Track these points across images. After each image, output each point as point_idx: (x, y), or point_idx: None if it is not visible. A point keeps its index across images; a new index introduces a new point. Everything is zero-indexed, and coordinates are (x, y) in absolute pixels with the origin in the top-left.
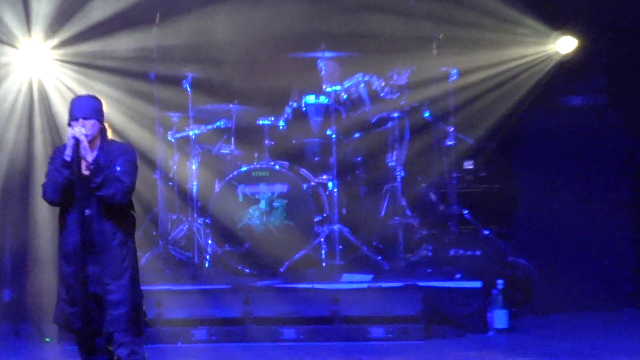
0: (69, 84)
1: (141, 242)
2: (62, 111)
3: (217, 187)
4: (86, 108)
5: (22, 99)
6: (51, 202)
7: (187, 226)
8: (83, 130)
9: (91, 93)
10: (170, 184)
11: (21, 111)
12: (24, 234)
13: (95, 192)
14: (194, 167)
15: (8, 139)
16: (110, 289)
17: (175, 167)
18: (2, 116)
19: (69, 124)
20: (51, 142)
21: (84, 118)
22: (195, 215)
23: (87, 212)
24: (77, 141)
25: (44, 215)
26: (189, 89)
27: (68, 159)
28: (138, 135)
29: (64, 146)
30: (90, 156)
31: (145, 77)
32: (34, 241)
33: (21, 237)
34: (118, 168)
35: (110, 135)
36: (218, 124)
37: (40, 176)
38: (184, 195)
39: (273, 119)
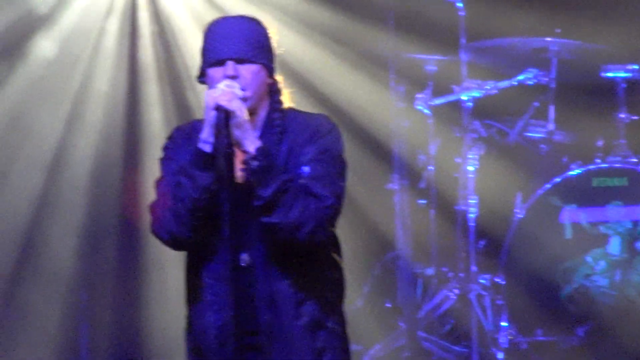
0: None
1: (359, 321)
2: (192, 44)
3: (519, 209)
4: (240, 40)
5: (118, 20)
6: (172, 242)
7: (457, 290)
8: (237, 90)
9: (248, 11)
10: (423, 202)
11: (117, 46)
12: (123, 300)
13: (262, 218)
14: (470, 168)
15: (94, 100)
16: None
17: (431, 167)
18: (81, 55)
19: (201, 76)
20: (176, 108)
21: (237, 61)
22: (474, 269)
23: (245, 258)
24: (225, 113)
25: (161, 263)
26: (458, 2)
27: (207, 148)
28: (351, 100)
29: (192, 125)
30: (251, 142)
31: None
32: (140, 318)
33: (118, 309)
34: (306, 168)
35: (287, 99)
36: (521, 77)
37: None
38: (449, 224)
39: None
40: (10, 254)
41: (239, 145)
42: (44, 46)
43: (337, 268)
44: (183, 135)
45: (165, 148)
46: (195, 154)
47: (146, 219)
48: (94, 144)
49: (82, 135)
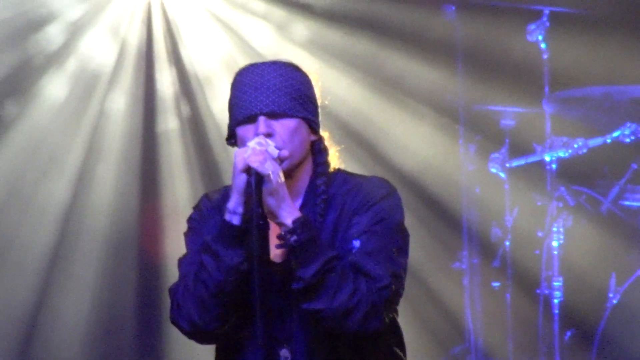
0: (236, 27)
1: None
2: (221, 92)
3: (614, 293)
4: (272, 91)
5: (132, 60)
6: (194, 333)
7: None
8: (271, 148)
9: (284, 57)
10: (497, 284)
11: (130, 86)
12: None
13: (303, 305)
14: (555, 244)
15: (107, 154)
16: None
17: (508, 243)
18: (93, 95)
19: (231, 137)
20: (199, 168)
21: (270, 116)
22: None
23: (284, 354)
24: (256, 177)
25: (189, 352)
26: (541, 43)
27: (235, 221)
28: (412, 160)
29: (224, 193)
30: (288, 212)
31: (436, 8)
32: None
33: None
34: (357, 242)
35: (335, 159)
36: (617, 134)
37: (175, 248)
38: (529, 310)
39: None
40: (12, 337)
41: (274, 216)
42: (54, 87)
43: None
44: (212, 205)
45: (191, 219)
46: (220, 228)
47: (166, 304)
48: (108, 203)
49: (94, 197)
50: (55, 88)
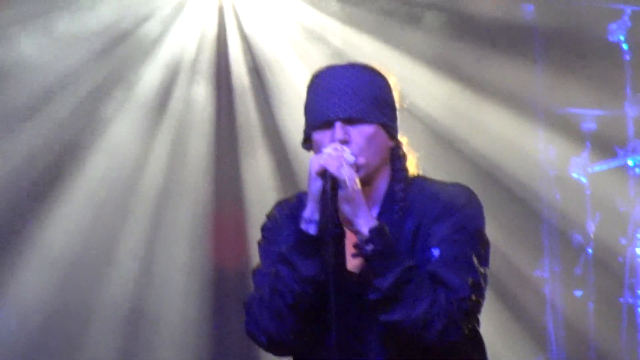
0: (317, 29)
1: None
2: (295, 98)
3: None
4: (350, 96)
5: (205, 71)
6: (270, 346)
7: None
8: (347, 155)
9: (363, 60)
10: (580, 292)
11: (207, 101)
12: None
13: (380, 316)
14: (639, 251)
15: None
16: None
17: (590, 250)
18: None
19: (306, 141)
20: (276, 173)
21: (347, 121)
22: None
23: None
24: (332, 182)
25: None
26: (623, 43)
27: (312, 230)
28: (490, 165)
29: (298, 200)
30: (365, 220)
31: (514, 7)
32: None
33: None
34: (436, 251)
35: (413, 165)
36: None
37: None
38: (613, 319)
39: None
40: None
41: (350, 224)
42: (146, 80)
43: None
44: (286, 213)
45: (264, 228)
46: (296, 237)
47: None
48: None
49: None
50: (148, 80)
